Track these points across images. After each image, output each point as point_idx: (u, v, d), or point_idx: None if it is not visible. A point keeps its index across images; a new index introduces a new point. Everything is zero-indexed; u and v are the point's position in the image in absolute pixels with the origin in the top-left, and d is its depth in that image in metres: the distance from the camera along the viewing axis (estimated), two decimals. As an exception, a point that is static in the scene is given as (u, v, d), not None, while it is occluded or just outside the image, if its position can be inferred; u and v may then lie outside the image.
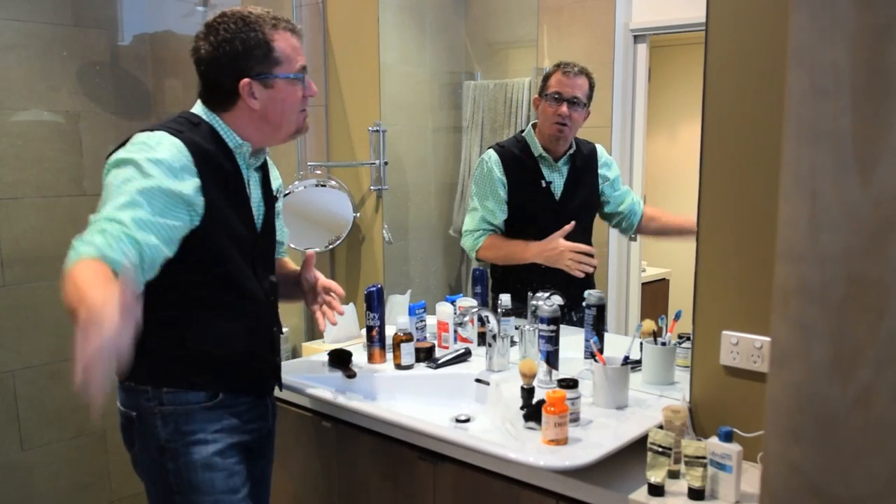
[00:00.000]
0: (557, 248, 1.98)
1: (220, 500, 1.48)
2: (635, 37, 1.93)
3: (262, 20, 1.44)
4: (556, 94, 2.00)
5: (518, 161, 2.10)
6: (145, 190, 1.30)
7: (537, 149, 2.07)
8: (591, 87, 2.00)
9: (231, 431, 1.51)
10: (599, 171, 2.04)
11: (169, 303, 1.42)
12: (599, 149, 2.04)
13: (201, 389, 1.48)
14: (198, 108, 1.49)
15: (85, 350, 1.10)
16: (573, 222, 1.98)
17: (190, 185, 1.36)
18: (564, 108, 1.99)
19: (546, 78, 2.04)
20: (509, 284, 2.12)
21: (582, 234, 2.05)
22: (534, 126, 2.09)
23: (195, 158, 1.38)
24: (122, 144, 1.41)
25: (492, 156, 2.13)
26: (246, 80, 1.43)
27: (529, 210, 2.10)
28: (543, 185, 2.07)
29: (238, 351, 1.52)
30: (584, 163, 2.06)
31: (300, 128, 1.54)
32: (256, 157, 1.54)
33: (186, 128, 1.42)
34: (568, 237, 1.99)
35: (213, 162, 1.42)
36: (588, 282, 2.00)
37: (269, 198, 1.59)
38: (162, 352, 1.44)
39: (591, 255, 1.97)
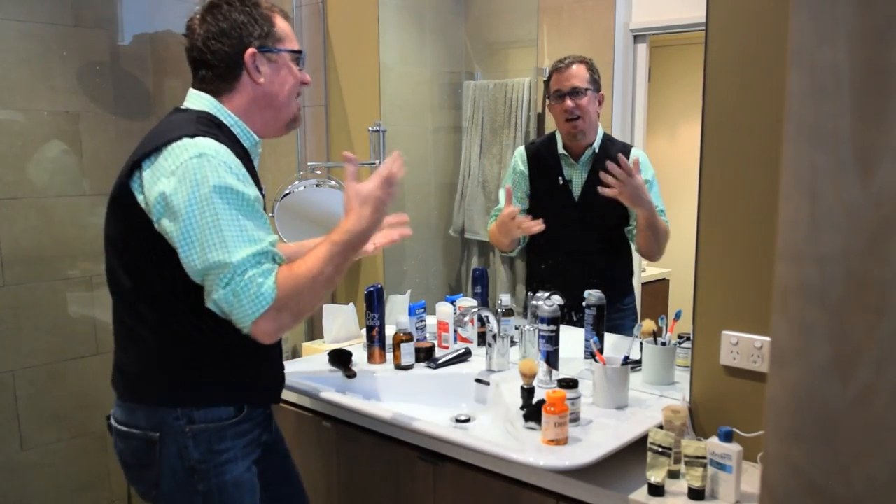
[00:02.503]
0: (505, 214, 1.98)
1: None
2: (635, 37, 1.93)
3: (261, 1, 1.46)
4: (556, 92, 2.01)
5: (542, 157, 2.10)
6: (237, 211, 1.30)
7: (560, 147, 2.06)
8: (592, 70, 1.98)
9: (253, 445, 1.50)
10: None
11: (193, 318, 1.37)
12: (634, 151, 1.95)
13: (231, 404, 1.43)
14: (205, 103, 1.42)
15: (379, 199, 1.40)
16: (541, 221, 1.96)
17: (254, 189, 1.36)
18: (568, 102, 1.98)
19: (547, 82, 2.05)
20: (539, 285, 2.09)
21: (606, 237, 2.04)
22: None
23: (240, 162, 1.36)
24: (156, 151, 1.32)
25: (520, 150, 2.16)
26: (252, 49, 1.41)
27: (548, 206, 2.09)
28: (561, 182, 2.06)
29: (263, 357, 1.49)
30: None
31: (296, 116, 1.52)
32: (257, 154, 1.52)
33: (218, 132, 1.37)
34: (590, 240, 2.00)
35: (246, 166, 1.38)
36: (618, 286, 1.99)
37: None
38: (189, 369, 1.40)
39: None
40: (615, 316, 1.94)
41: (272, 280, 1.29)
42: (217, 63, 1.41)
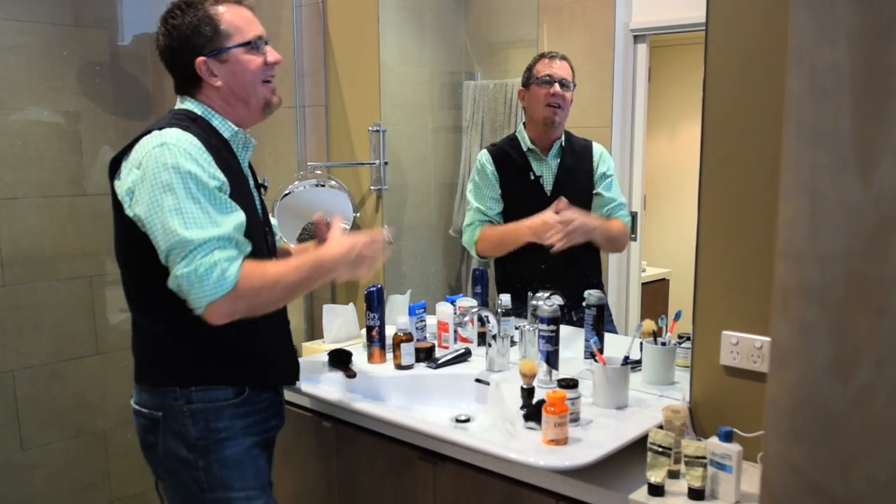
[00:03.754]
0: (540, 220, 1.97)
1: (251, 496, 1.51)
2: (635, 37, 1.93)
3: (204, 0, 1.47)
4: (546, 76, 2.02)
5: (508, 156, 2.12)
6: (198, 197, 1.34)
7: (526, 143, 2.08)
8: (572, 68, 2.03)
9: (256, 429, 1.53)
10: (595, 166, 2.04)
11: (179, 304, 1.40)
12: (596, 146, 2.03)
13: (230, 385, 1.48)
14: (187, 102, 1.50)
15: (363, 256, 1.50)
16: (562, 198, 1.95)
17: (220, 176, 1.40)
18: (557, 88, 2.00)
19: (530, 68, 2.06)
20: (510, 284, 2.12)
21: None
22: (524, 125, 2.11)
23: (210, 153, 1.40)
24: (130, 146, 1.41)
25: (483, 154, 2.17)
26: (201, 58, 1.45)
27: (521, 203, 2.11)
28: (532, 177, 2.08)
29: (265, 342, 1.53)
30: (575, 158, 2.06)
31: (269, 100, 1.53)
32: (246, 146, 1.55)
33: (189, 124, 1.43)
34: None
35: (220, 156, 1.43)
36: (589, 282, 2.00)
37: (257, 185, 1.60)
38: (189, 350, 1.45)
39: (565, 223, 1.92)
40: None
41: (236, 267, 1.34)
42: (179, 74, 1.50)
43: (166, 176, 1.32)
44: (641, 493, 1.40)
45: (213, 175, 1.37)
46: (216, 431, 1.47)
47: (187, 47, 1.45)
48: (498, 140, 2.20)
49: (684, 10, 1.74)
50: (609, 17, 1.96)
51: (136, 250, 1.39)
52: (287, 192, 2.33)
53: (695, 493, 1.38)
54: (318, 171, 2.45)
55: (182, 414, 1.45)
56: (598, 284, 2.03)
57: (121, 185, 1.40)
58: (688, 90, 1.68)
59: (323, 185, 2.41)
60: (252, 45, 1.48)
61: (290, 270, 1.41)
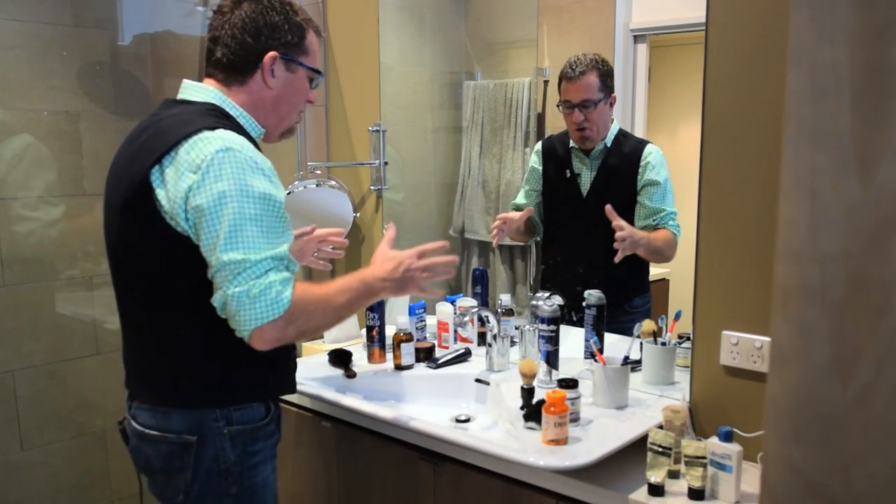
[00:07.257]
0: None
1: None
2: (635, 37, 1.93)
3: (303, 11, 1.46)
4: (566, 102, 1.97)
5: (555, 151, 2.09)
6: (264, 213, 1.27)
7: (571, 141, 2.03)
8: (602, 75, 1.92)
9: (276, 446, 1.50)
10: (641, 172, 1.93)
11: (220, 320, 1.30)
12: (648, 149, 1.91)
13: (261, 401, 1.42)
14: (209, 95, 1.39)
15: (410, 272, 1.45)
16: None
17: (282, 189, 1.34)
18: (577, 115, 1.94)
19: (558, 84, 1.99)
20: (553, 281, 2.11)
21: (609, 233, 2.00)
22: None
23: None
24: (173, 146, 1.27)
25: (538, 145, 2.14)
26: (274, 52, 1.39)
27: (557, 200, 2.09)
28: (569, 175, 2.03)
29: (290, 350, 1.50)
30: (620, 159, 1.96)
31: (293, 128, 1.53)
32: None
33: (228, 123, 1.33)
34: (594, 236, 1.94)
35: None
36: (628, 284, 1.99)
37: None
38: (224, 369, 1.37)
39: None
40: (624, 319, 1.91)
41: (290, 290, 1.26)
42: (238, 52, 1.38)
43: (233, 188, 1.23)
44: (641, 493, 1.40)
45: (278, 186, 1.30)
46: (252, 455, 1.41)
47: (269, 34, 1.39)
48: (553, 134, 2.13)
49: (684, 10, 1.74)
50: (609, 17, 1.96)
51: (177, 262, 1.30)
52: (287, 192, 2.33)
53: (695, 493, 1.38)
54: (318, 171, 2.45)
55: (221, 437, 1.37)
56: (639, 290, 2.00)
57: (173, 190, 1.25)
58: (688, 90, 1.68)
59: (323, 186, 2.41)
60: (316, 76, 1.49)
61: (337, 293, 1.34)
